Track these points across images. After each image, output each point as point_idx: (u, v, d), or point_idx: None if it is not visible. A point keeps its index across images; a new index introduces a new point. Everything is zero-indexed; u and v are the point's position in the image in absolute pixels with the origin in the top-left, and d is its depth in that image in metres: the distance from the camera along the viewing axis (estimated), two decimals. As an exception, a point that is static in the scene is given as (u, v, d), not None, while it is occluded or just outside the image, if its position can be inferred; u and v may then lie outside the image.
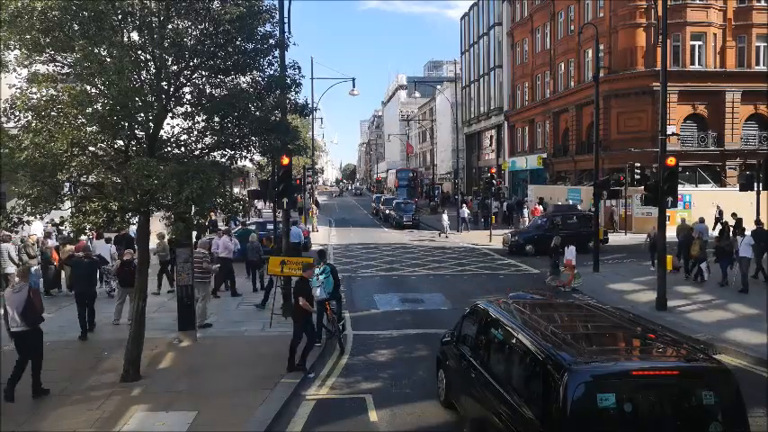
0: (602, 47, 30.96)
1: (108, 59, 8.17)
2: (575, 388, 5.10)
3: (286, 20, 13.50)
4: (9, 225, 8.52)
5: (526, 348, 6.01)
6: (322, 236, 32.26)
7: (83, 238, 14.91)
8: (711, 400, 5.25)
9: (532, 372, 5.75)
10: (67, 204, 9.51)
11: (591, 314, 7.57)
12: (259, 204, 39.45)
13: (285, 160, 13.81)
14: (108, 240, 16.58)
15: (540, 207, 34.50)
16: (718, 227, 19.80)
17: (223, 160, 10.10)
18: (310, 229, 30.82)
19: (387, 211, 42.70)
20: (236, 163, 10.34)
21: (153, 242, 13.20)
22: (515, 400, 5.91)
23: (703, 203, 28.07)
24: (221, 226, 21.75)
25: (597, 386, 5.13)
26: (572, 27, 39.94)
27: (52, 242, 16.98)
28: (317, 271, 11.81)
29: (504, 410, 6.06)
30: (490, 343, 7.13)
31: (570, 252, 17.32)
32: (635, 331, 6.71)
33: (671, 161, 14.61)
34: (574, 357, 5.43)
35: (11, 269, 15.56)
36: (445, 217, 33.25)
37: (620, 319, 7.30)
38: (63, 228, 17.92)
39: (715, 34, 33.94)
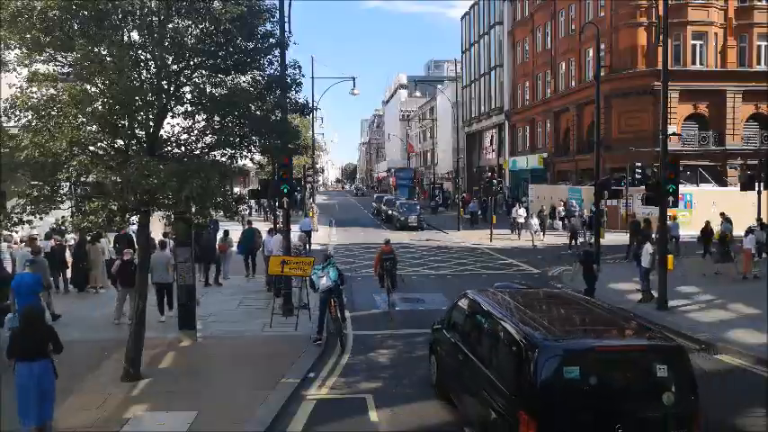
0: (603, 46, 30.91)
1: (108, 59, 8.16)
2: (544, 362, 5.79)
3: (286, 19, 13.48)
4: (9, 225, 8.53)
5: (505, 330, 6.68)
6: (322, 235, 32.22)
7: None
8: (665, 373, 5.90)
9: (510, 350, 6.42)
10: (67, 204, 9.50)
11: (567, 301, 8.47)
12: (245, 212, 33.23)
13: (285, 160, 13.82)
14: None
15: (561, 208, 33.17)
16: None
17: (223, 159, 10.08)
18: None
19: (389, 212, 41.52)
20: (237, 162, 10.32)
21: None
22: (495, 376, 6.61)
23: (704, 203, 28.04)
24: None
25: (564, 360, 5.82)
26: (573, 26, 39.92)
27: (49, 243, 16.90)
28: (320, 266, 12.21)
29: (486, 386, 6.75)
30: (475, 327, 7.80)
31: (749, 241, 17.70)
32: (604, 315, 7.41)
33: (672, 161, 14.61)
34: (544, 336, 6.20)
35: (10, 269, 15.55)
36: (535, 221, 28.81)
37: (593, 306, 7.97)
38: (65, 228, 18.00)
39: (716, 34, 33.91)
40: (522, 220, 29.91)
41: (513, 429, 5.89)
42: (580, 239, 26.15)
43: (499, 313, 7.21)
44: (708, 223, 21.81)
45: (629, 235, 22.25)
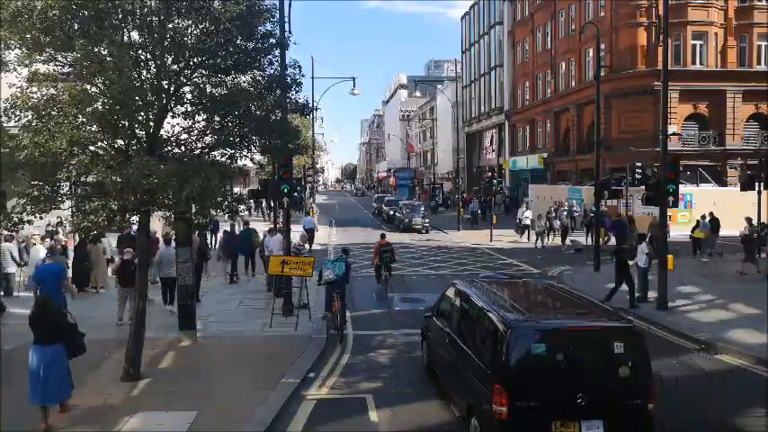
0: (603, 46, 30.90)
1: (108, 58, 8.15)
2: (515, 340, 6.54)
3: (286, 19, 13.48)
4: (9, 225, 8.53)
5: (484, 314, 7.47)
6: (322, 235, 32.19)
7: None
8: (622, 350, 6.62)
9: (487, 331, 7.18)
10: (67, 204, 9.50)
11: (543, 290, 9.31)
12: (244, 213, 32.02)
13: (285, 160, 13.83)
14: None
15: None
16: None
17: (223, 159, 10.08)
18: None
19: (391, 213, 40.06)
20: (237, 162, 10.33)
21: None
22: (475, 354, 7.38)
23: (704, 203, 28.02)
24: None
25: (533, 338, 6.63)
26: (573, 26, 39.92)
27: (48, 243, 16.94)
28: (332, 259, 13.12)
29: (467, 363, 7.53)
30: (460, 313, 8.54)
31: None
32: (574, 302, 8.21)
33: (672, 161, 14.61)
34: (516, 317, 7.00)
35: (12, 269, 15.58)
36: (543, 222, 27.40)
37: (566, 293, 8.82)
38: (63, 227, 18.04)
39: (716, 34, 33.92)
40: (528, 222, 29.44)
41: (488, 400, 6.52)
42: (571, 238, 26.50)
43: (480, 299, 7.99)
44: (698, 223, 22.52)
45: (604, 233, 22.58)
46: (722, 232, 23.49)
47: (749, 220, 21.53)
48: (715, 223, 22.49)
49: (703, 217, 22.61)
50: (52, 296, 9.42)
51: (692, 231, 22.55)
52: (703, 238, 21.84)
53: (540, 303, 8.61)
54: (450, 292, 9.32)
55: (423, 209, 37.03)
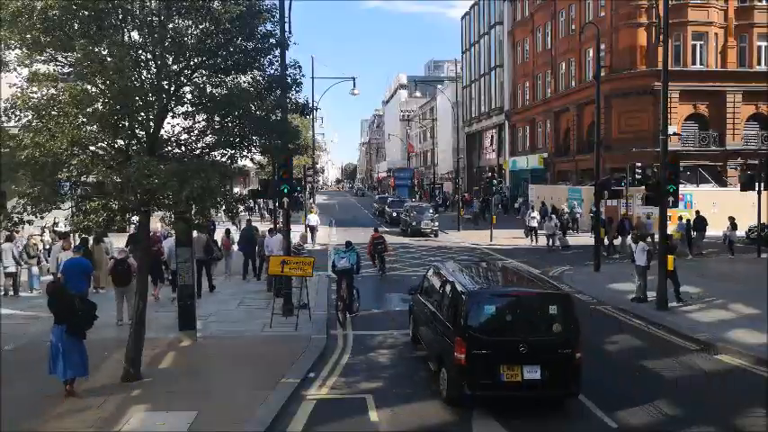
0: (603, 46, 30.90)
1: (108, 59, 8.15)
2: (471, 303, 8.42)
3: (286, 19, 13.47)
4: (10, 225, 8.54)
5: (452, 285, 9.28)
6: (322, 235, 32.16)
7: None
8: (555, 312, 8.47)
9: (453, 298, 8.99)
10: (68, 204, 9.51)
11: (503, 269, 11.76)
12: (243, 213, 30.38)
13: (286, 159, 13.83)
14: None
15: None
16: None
17: (223, 159, 10.08)
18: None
19: (395, 214, 38.22)
20: (237, 162, 10.32)
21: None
22: (445, 318, 9.15)
23: (704, 203, 28.05)
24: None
25: (484, 301, 8.60)
26: (573, 26, 39.93)
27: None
28: (344, 250, 14.51)
29: (439, 326, 9.33)
30: (436, 287, 10.32)
31: None
32: (526, 277, 10.40)
33: (672, 161, 14.62)
34: (474, 286, 9.15)
35: (12, 268, 15.59)
36: (553, 223, 26.83)
37: (521, 271, 11.28)
38: (59, 228, 18.09)
39: (716, 34, 33.91)
40: (535, 224, 28.74)
41: (452, 351, 8.25)
42: (560, 237, 26.76)
43: (451, 275, 9.76)
44: (689, 221, 23.01)
45: (603, 233, 22.77)
46: (715, 232, 23.67)
47: (732, 219, 21.86)
48: (701, 223, 23.01)
49: (680, 218, 23.15)
50: (75, 286, 10.41)
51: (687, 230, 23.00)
52: (678, 237, 21.97)
53: (497, 277, 10.79)
54: (430, 273, 11.20)
55: (431, 210, 34.98)
